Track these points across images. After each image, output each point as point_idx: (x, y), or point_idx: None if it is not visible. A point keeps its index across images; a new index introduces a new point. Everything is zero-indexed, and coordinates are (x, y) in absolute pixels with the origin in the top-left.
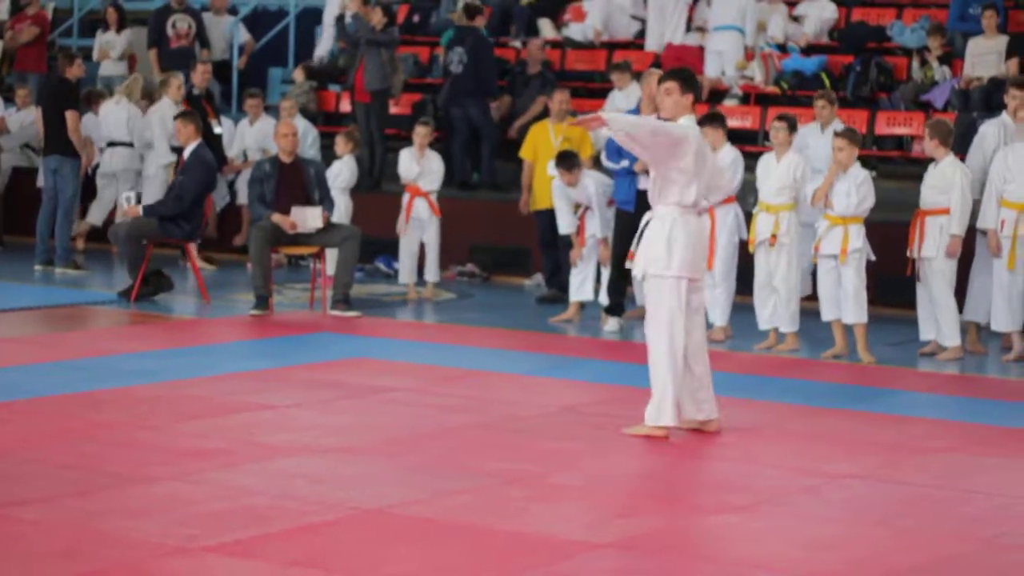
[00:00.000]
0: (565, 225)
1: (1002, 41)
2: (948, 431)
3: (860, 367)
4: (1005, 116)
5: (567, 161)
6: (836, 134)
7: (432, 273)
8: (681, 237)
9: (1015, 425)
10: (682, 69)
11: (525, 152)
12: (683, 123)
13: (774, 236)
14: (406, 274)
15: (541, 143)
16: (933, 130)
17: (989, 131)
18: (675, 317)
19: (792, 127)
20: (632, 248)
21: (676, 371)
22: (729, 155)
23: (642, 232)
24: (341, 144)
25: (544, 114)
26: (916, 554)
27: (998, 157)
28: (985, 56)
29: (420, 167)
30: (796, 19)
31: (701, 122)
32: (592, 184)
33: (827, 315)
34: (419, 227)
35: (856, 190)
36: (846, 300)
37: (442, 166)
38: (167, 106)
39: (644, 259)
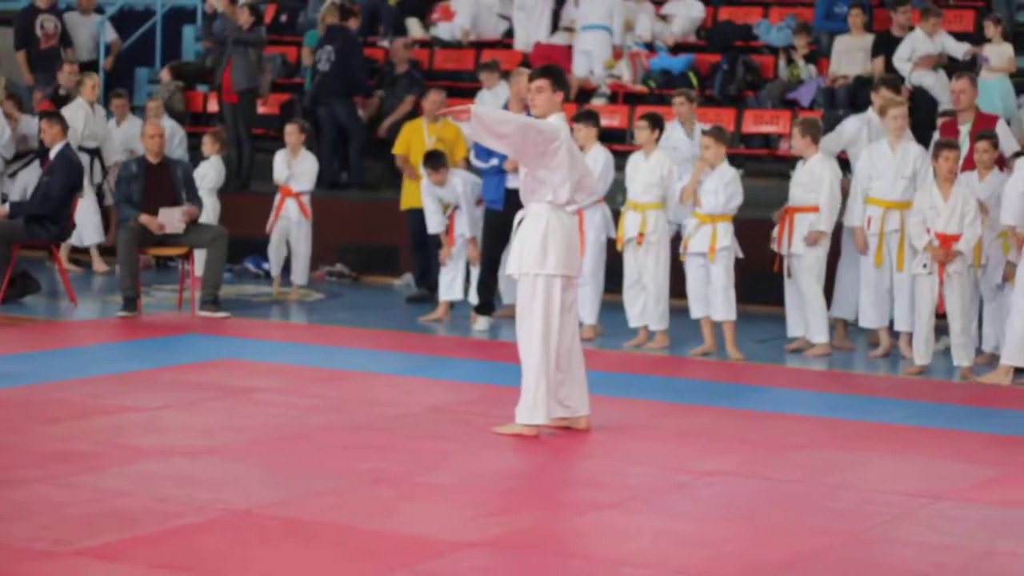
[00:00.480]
0: (434, 225)
1: (868, 39)
2: (815, 427)
3: (729, 364)
4: (871, 113)
5: (434, 160)
6: (703, 132)
7: (300, 276)
8: (556, 235)
9: (882, 420)
10: (552, 67)
11: (398, 148)
12: (554, 121)
13: (641, 235)
14: (274, 273)
15: (415, 141)
16: (804, 128)
17: (851, 124)
18: (551, 316)
19: (654, 125)
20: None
21: (550, 370)
22: (600, 156)
23: (515, 231)
24: (208, 145)
25: (413, 113)
26: (783, 549)
27: (863, 155)
28: (851, 54)
29: (291, 168)
30: (664, 18)
31: (575, 119)
32: (461, 183)
33: (696, 313)
34: (286, 227)
35: (724, 188)
36: (715, 298)
37: (314, 167)
38: (79, 106)
39: (519, 258)
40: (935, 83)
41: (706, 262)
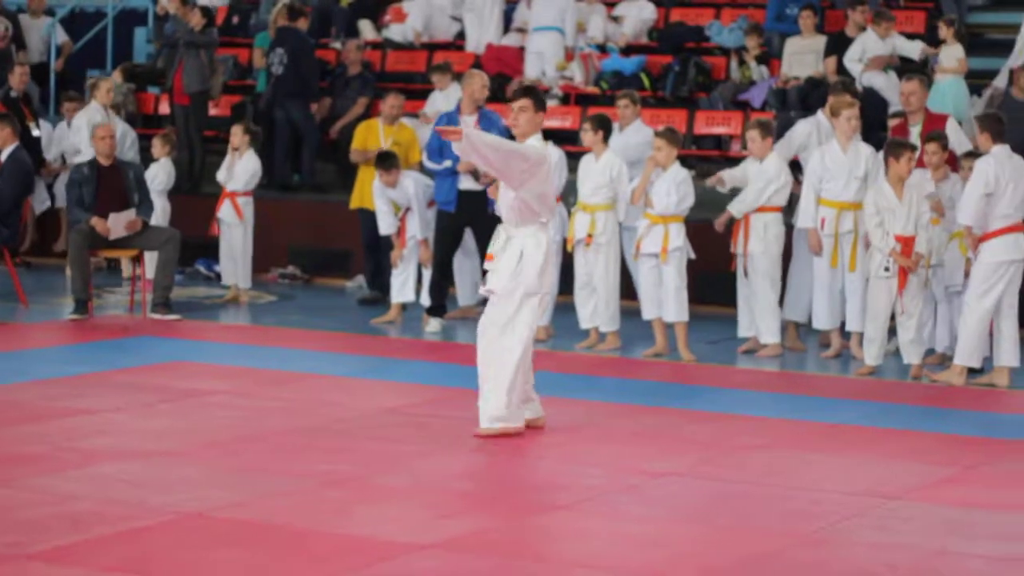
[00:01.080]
0: (386, 226)
1: (820, 41)
2: (768, 428)
3: (681, 365)
4: (820, 115)
5: (387, 161)
6: (656, 133)
7: (242, 278)
8: (551, 257)
9: (834, 421)
10: (533, 87)
11: (355, 146)
12: (536, 145)
13: (590, 236)
14: (225, 275)
15: (370, 142)
16: (765, 130)
17: (802, 128)
18: (533, 328)
19: (599, 126)
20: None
21: (522, 378)
22: (555, 154)
23: (504, 247)
24: (158, 147)
25: (365, 115)
26: (735, 550)
27: (815, 156)
28: (802, 56)
29: (231, 169)
30: (615, 19)
31: None
32: (412, 185)
33: (648, 314)
34: (227, 229)
35: (676, 189)
36: (667, 298)
37: (251, 167)
38: (95, 110)
39: (515, 278)
40: (885, 84)
41: (658, 263)
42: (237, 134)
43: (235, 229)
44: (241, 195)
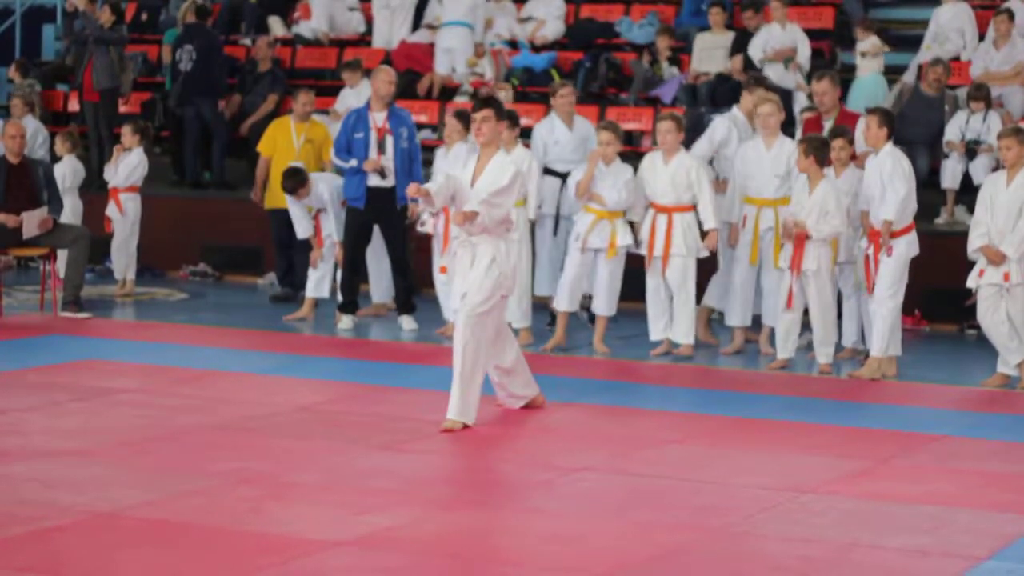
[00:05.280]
0: (302, 230)
1: (728, 37)
2: (681, 422)
3: (594, 360)
4: (736, 111)
5: (292, 182)
6: (604, 128)
7: (120, 270)
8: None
9: (746, 415)
10: (494, 97)
11: (264, 146)
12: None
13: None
14: (116, 269)
15: (282, 140)
16: (680, 123)
17: (721, 125)
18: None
19: (514, 123)
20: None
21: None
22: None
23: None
24: (60, 144)
25: (275, 112)
26: (649, 545)
27: (738, 154)
28: (712, 51)
29: (115, 166)
30: (528, 20)
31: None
32: (326, 189)
33: (569, 306)
34: (116, 225)
35: (625, 185)
36: (600, 292)
37: (132, 163)
38: None
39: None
40: (785, 77)
41: (595, 257)
42: (127, 134)
43: (116, 223)
44: (123, 191)
